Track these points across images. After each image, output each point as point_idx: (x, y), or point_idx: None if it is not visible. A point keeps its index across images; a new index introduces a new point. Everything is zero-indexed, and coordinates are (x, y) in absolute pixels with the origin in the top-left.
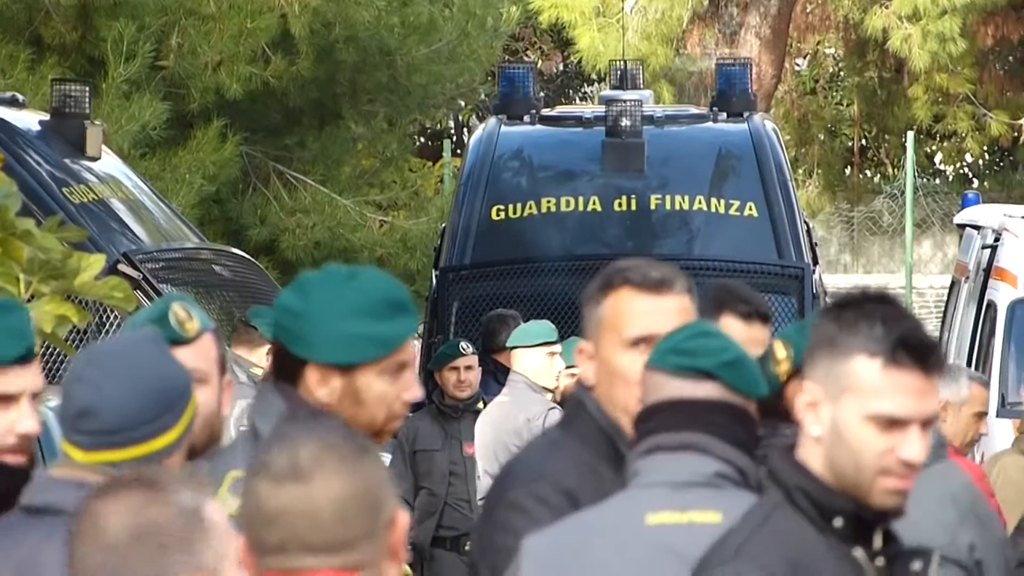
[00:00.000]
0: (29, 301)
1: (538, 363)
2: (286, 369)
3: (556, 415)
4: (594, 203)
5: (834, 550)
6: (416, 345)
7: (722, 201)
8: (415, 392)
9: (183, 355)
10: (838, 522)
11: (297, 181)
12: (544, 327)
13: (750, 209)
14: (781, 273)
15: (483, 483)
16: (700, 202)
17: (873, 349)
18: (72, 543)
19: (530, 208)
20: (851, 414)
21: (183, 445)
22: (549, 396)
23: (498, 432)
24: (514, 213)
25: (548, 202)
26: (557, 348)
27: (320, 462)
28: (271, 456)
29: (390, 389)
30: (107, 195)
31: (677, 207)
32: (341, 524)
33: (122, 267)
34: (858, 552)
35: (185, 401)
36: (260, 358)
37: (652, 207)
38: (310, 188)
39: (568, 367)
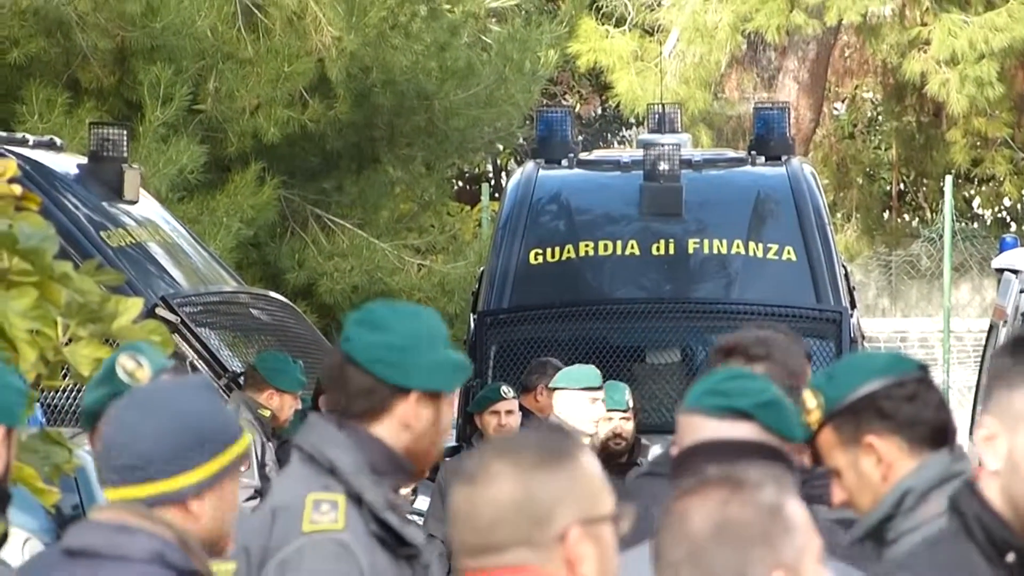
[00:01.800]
0: (67, 344)
1: (580, 407)
2: (378, 401)
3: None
4: (632, 247)
5: None
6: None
7: (760, 245)
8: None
9: None
10: (1010, 557)
11: (335, 225)
12: (590, 372)
13: (788, 253)
14: (819, 317)
15: None
16: (738, 246)
17: None
18: (657, 537)
19: (568, 252)
20: None
21: (217, 487)
22: (588, 440)
23: None
24: (552, 257)
25: (586, 246)
26: (600, 394)
27: (490, 466)
28: (468, 459)
29: (446, 420)
30: (145, 239)
31: (715, 251)
32: (495, 528)
33: (160, 311)
34: None
35: (219, 446)
36: (266, 399)
37: (690, 251)
38: (348, 232)
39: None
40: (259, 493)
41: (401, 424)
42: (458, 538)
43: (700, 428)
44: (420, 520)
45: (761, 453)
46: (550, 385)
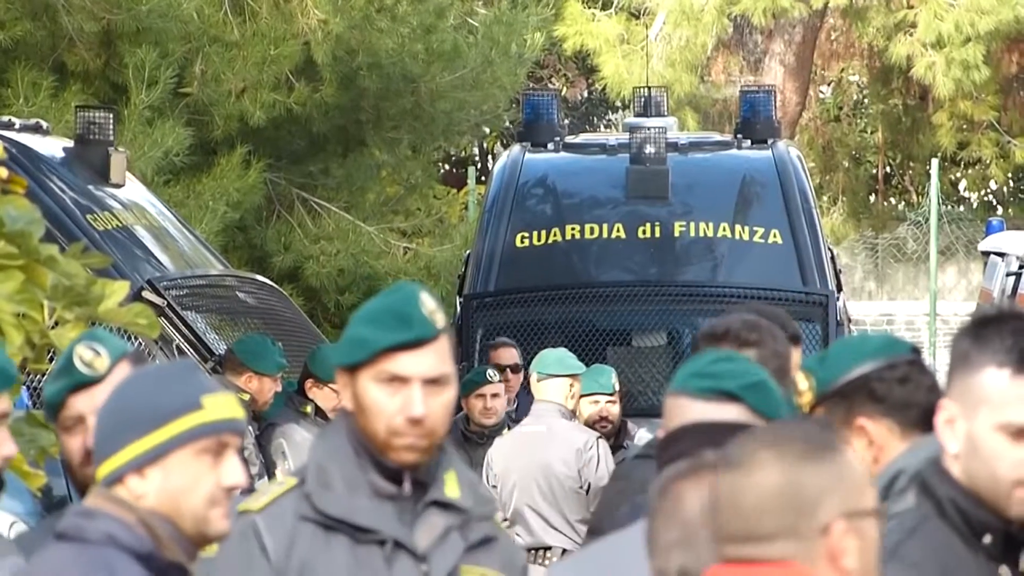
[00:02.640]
0: (53, 328)
1: (559, 392)
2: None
3: (606, 444)
4: (618, 230)
5: (982, 567)
6: None
7: (746, 228)
8: (415, 410)
9: (101, 393)
10: (987, 539)
11: (321, 208)
12: (565, 357)
13: (774, 236)
14: (805, 300)
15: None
16: (724, 229)
17: (1001, 360)
18: (651, 520)
19: (554, 235)
20: (983, 426)
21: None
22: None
23: (537, 462)
24: (538, 240)
25: (572, 229)
26: (577, 377)
27: (756, 454)
28: (732, 446)
29: (385, 400)
30: (131, 222)
31: (701, 234)
32: (759, 517)
33: (146, 294)
34: (1004, 571)
35: (152, 421)
36: (244, 383)
37: (676, 234)
38: (334, 215)
39: (587, 395)
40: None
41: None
42: (720, 524)
43: (687, 410)
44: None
45: None
46: (530, 372)
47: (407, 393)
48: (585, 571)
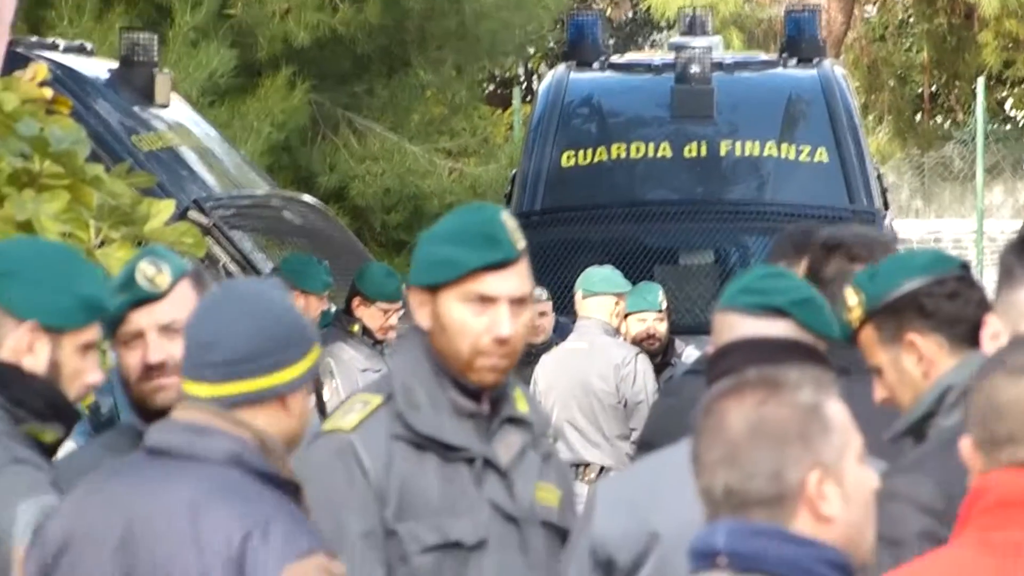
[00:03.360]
0: (99, 247)
1: (604, 309)
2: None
3: (646, 360)
4: (664, 149)
5: None
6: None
7: (792, 147)
8: (503, 329)
9: (162, 310)
10: None
11: (366, 128)
12: (611, 275)
13: (820, 155)
14: (852, 218)
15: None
16: (770, 148)
17: None
18: (695, 439)
19: (600, 154)
20: None
21: (306, 385)
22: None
23: (577, 378)
24: (584, 159)
25: (618, 148)
26: (622, 295)
27: None
28: (1010, 354)
29: (471, 320)
30: (176, 143)
31: (747, 153)
32: None
33: (192, 214)
34: None
35: (308, 344)
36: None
37: (722, 153)
38: (379, 135)
39: (634, 312)
40: None
41: (415, 317)
42: (1017, 428)
43: (736, 326)
44: None
45: (797, 351)
46: (574, 290)
47: (494, 313)
48: (632, 488)
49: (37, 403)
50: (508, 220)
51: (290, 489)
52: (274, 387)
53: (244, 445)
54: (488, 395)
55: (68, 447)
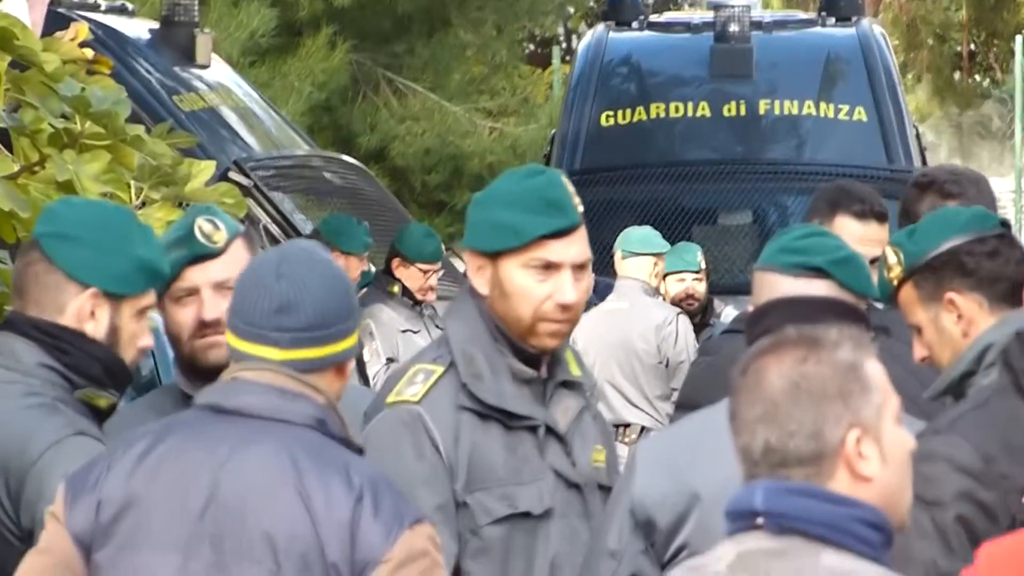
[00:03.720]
0: (140, 208)
1: (643, 270)
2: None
3: (687, 320)
4: (703, 109)
5: None
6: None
7: (831, 106)
8: (567, 295)
9: (216, 267)
10: None
11: (407, 88)
12: (650, 235)
13: (859, 114)
14: (891, 178)
15: (608, 393)
16: (809, 107)
17: None
18: (734, 397)
19: (639, 114)
20: None
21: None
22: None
23: (617, 339)
24: (623, 119)
25: (657, 108)
26: (661, 256)
27: None
28: None
29: (535, 286)
30: (217, 103)
31: (786, 112)
32: None
33: (233, 174)
34: None
35: (359, 312)
36: None
37: (761, 112)
38: (420, 95)
39: (673, 272)
40: None
41: (473, 280)
42: None
43: (776, 285)
44: None
45: (836, 310)
46: (613, 250)
47: (558, 279)
48: (673, 449)
49: (95, 369)
50: (568, 184)
51: (361, 455)
52: (339, 354)
53: (324, 410)
54: (545, 360)
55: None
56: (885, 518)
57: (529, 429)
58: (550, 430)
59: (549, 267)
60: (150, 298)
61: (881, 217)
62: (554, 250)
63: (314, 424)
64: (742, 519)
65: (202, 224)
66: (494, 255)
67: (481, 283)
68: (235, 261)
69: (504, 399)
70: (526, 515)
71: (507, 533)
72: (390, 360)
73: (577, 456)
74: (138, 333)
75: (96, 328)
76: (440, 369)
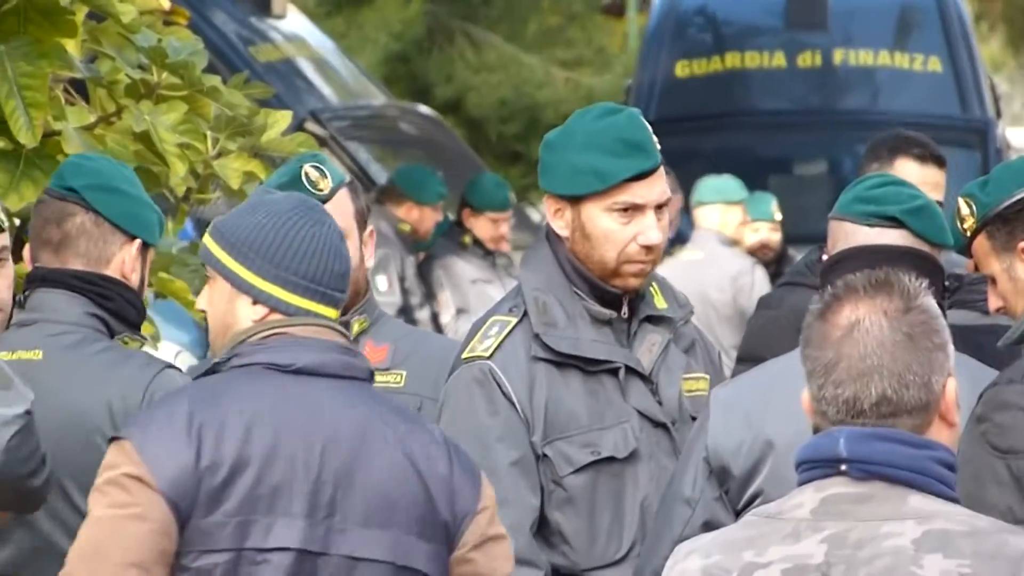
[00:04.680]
0: (216, 158)
1: (719, 219)
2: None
3: (763, 271)
4: (778, 58)
5: None
6: None
7: (905, 55)
8: (652, 236)
9: None
10: None
11: (482, 39)
12: (726, 185)
13: (933, 63)
14: (965, 127)
15: None
16: (883, 57)
17: None
18: (804, 345)
19: (714, 64)
20: None
21: None
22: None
23: (693, 289)
24: (699, 69)
25: (732, 58)
26: (737, 205)
27: None
28: None
29: (619, 229)
30: (293, 54)
31: (860, 62)
32: None
33: (309, 125)
34: None
35: None
36: (405, 213)
37: (836, 62)
38: (495, 46)
39: (748, 222)
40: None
41: (553, 224)
42: None
43: (851, 235)
44: None
45: (911, 259)
46: (692, 200)
47: (642, 221)
48: (746, 398)
49: (132, 314)
50: (647, 124)
51: None
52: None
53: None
54: (627, 299)
55: (179, 354)
56: (956, 460)
57: (609, 372)
58: (632, 370)
59: (632, 209)
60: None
61: (940, 161)
62: (638, 192)
63: (369, 379)
64: (823, 467)
65: (309, 170)
66: (575, 199)
67: (560, 225)
68: (340, 209)
69: (579, 346)
70: (611, 460)
71: (592, 480)
72: (460, 311)
73: (663, 393)
74: (145, 280)
75: (136, 277)
76: (514, 320)
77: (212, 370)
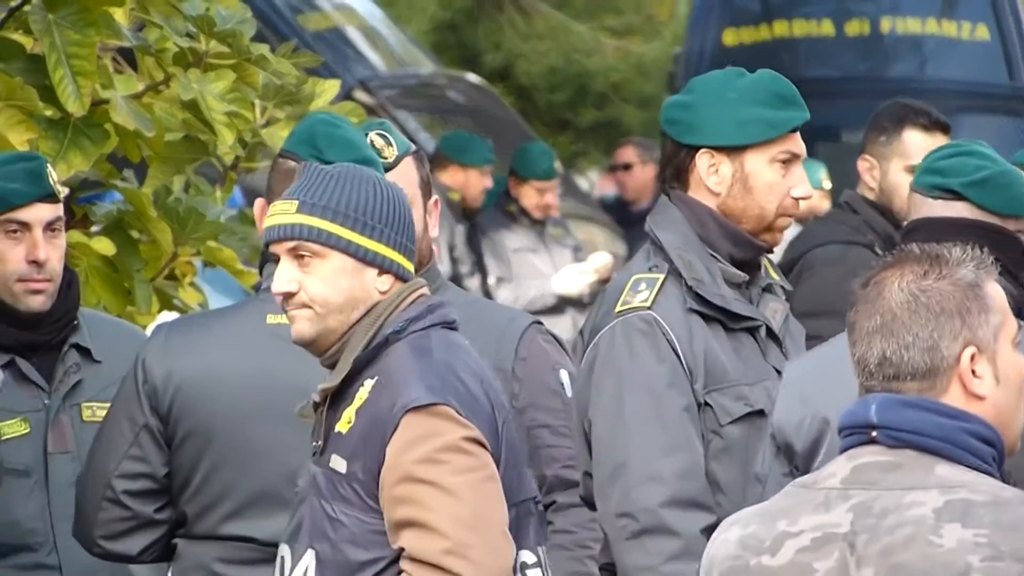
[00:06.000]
0: (264, 127)
1: None
2: (677, 166)
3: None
4: (826, 26)
5: None
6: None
7: (953, 23)
8: (805, 188)
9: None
10: None
11: (531, 6)
12: None
13: (981, 31)
14: (1013, 95)
15: None
16: (931, 25)
17: None
18: (853, 309)
19: (763, 32)
20: None
21: None
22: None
23: None
24: (747, 37)
25: (781, 26)
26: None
27: None
28: None
29: (780, 180)
30: (341, 23)
31: (908, 30)
32: None
33: (357, 93)
34: None
35: None
36: (450, 177)
37: (884, 30)
38: (544, 13)
39: None
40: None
41: (706, 181)
42: None
43: (918, 206)
44: None
45: (975, 231)
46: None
47: (797, 173)
48: (805, 376)
49: None
50: None
51: None
52: None
53: None
54: (762, 261)
55: None
56: (996, 434)
57: (748, 331)
58: (768, 331)
59: (792, 160)
60: None
61: (945, 128)
62: (798, 142)
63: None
64: (857, 433)
65: (374, 138)
66: (737, 150)
67: (715, 181)
68: (405, 177)
69: (728, 301)
70: (760, 413)
71: (745, 432)
72: (500, 279)
73: (792, 355)
74: None
75: None
76: (661, 276)
77: (384, 342)
